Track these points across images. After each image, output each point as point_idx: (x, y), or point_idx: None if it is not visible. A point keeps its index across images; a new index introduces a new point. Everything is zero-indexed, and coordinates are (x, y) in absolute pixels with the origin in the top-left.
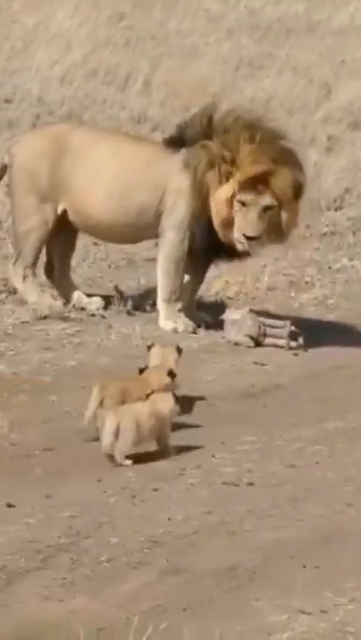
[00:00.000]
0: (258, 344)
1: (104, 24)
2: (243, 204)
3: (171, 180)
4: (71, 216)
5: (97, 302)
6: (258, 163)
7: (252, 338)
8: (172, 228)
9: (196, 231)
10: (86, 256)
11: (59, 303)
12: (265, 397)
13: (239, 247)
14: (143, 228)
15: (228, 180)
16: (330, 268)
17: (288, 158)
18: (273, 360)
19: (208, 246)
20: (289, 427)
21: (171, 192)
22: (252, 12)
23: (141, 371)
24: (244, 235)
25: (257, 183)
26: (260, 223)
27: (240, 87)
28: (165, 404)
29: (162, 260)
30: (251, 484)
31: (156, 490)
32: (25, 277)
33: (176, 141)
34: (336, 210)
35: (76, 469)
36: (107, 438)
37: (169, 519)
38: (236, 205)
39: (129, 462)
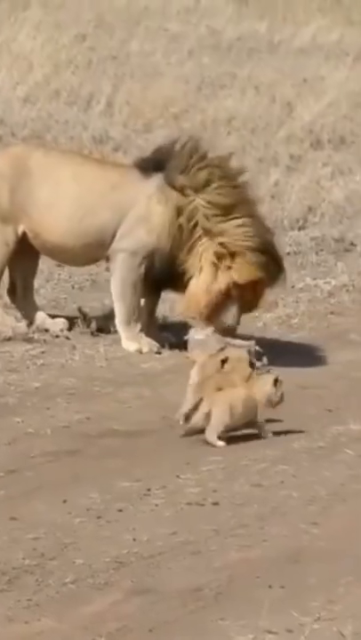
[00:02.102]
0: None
1: (66, 45)
2: (228, 296)
3: (136, 204)
4: (31, 238)
5: (60, 323)
6: (256, 273)
7: None
8: (126, 251)
9: (155, 262)
10: (50, 277)
11: (22, 325)
12: None
13: (215, 328)
14: (101, 249)
15: (217, 266)
16: (293, 287)
17: (276, 261)
18: None
19: (164, 278)
20: (254, 446)
21: (133, 216)
22: (213, 31)
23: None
24: (225, 323)
25: (247, 286)
26: (240, 314)
27: (202, 107)
28: (260, 388)
29: (116, 284)
30: (216, 503)
31: (120, 510)
32: None
33: (149, 166)
34: (299, 229)
35: (41, 491)
36: (199, 417)
37: (134, 540)
38: (222, 296)
39: (222, 444)
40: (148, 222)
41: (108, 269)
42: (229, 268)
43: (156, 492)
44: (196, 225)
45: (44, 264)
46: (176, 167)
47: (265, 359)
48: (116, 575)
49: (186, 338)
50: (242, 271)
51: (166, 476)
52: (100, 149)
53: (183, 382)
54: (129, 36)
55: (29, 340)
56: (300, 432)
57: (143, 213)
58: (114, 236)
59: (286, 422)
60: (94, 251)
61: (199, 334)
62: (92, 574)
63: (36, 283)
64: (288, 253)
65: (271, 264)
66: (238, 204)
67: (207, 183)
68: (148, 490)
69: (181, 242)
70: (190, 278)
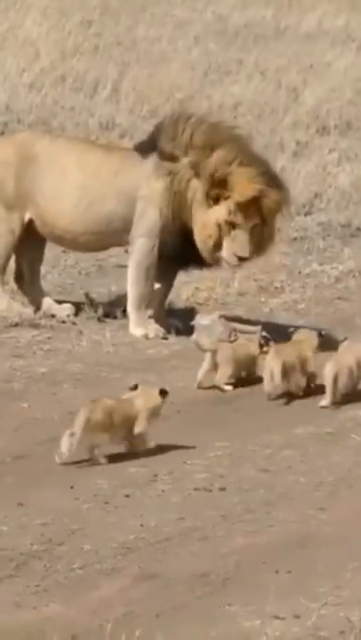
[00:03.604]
0: None
1: (72, 31)
2: (233, 225)
3: (140, 187)
4: (38, 225)
5: (67, 309)
6: (253, 186)
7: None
8: (142, 235)
9: (166, 238)
10: (56, 263)
11: (29, 310)
12: (237, 403)
13: (227, 266)
14: (110, 236)
15: (217, 201)
16: (300, 272)
17: (274, 178)
18: None
19: (179, 254)
20: (261, 432)
21: (140, 199)
22: (219, 17)
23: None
24: (235, 255)
25: (249, 205)
26: (251, 243)
27: (208, 93)
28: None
29: (132, 268)
30: (223, 489)
31: (128, 496)
32: None
33: (146, 147)
34: (305, 215)
35: (48, 477)
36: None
37: (141, 525)
38: (225, 226)
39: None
40: (152, 201)
41: (126, 252)
42: (227, 196)
43: (163, 477)
44: (188, 181)
45: (50, 251)
46: (166, 138)
47: (271, 344)
48: (124, 561)
49: (192, 323)
50: (238, 189)
51: (173, 461)
52: (107, 136)
53: (189, 368)
54: (135, 22)
55: (36, 326)
56: (307, 417)
57: (147, 194)
58: (123, 221)
59: (293, 408)
60: (102, 238)
61: (205, 319)
62: (99, 560)
63: (43, 269)
64: (295, 239)
65: (269, 179)
66: (223, 141)
67: (191, 138)
68: (155, 475)
69: (185, 209)
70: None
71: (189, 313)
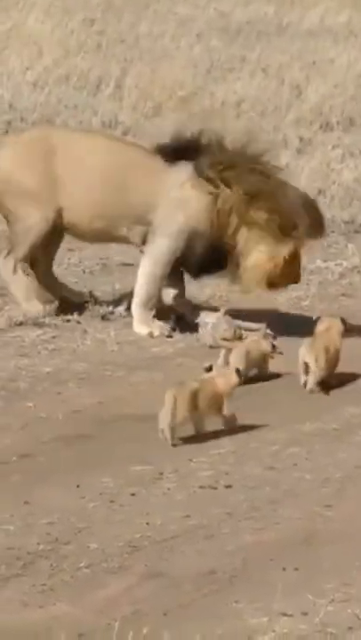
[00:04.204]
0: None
1: (75, 29)
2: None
3: (169, 189)
4: (65, 217)
5: (83, 295)
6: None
7: (226, 340)
8: (163, 235)
9: (195, 247)
10: (60, 261)
11: (44, 306)
12: (241, 400)
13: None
14: (126, 231)
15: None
16: (304, 269)
17: (314, 216)
18: None
19: (201, 263)
20: (266, 429)
21: (170, 200)
22: (221, 14)
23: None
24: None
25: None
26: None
27: (211, 90)
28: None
29: (148, 267)
30: (228, 486)
31: (133, 495)
32: (15, 271)
33: (172, 153)
34: None
35: (54, 475)
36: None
37: (147, 524)
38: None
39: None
40: (187, 207)
41: (140, 250)
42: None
43: (168, 475)
44: (231, 209)
45: None
46: (205, 162)
47: (276, 341)
48: (130, 559)
49: (196, 321)
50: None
51: (178, 459)
52: (110, 133)
53: (194, 365)
54: (138, 19)
55: (40, 325)
56: (313, 414)
57: (180, 198)
58: (141, 217)
59: (298, 404)
60: (120, 231)
61: (209, 317)
62: (105, 559)
63: None
64: None
65: (310, 225)
66: (269, 190)
67: (236, 179)
68: (161, 474)
69: (220, 224)
70: (241, 255)
71: (195, 310)
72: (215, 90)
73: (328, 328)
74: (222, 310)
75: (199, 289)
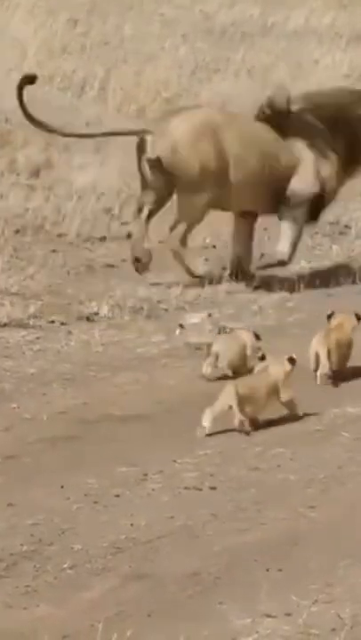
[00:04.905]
0: None
1: (59, 30)
2: None
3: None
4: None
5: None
6: None
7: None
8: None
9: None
10: (45, 263)
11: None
12: None
13: None
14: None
15: None
16: (289, 269)
17: None
18: None
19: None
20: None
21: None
22: (206, 16)
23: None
24: None
25: None
26: None
27: (196, 91)
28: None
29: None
30: (213, 488)
31: (118, 496)
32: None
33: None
34: None
35: (39, 476)
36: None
37: (132, 525)
38: None
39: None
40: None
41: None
42: None
43: (153, 476)
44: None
45: (40, 250)
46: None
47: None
48: (114, 560)
49: (181, 322)
50: None
51: (163, 460)
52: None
53: (179, 366)
54: (122, 20)
55: (25, 326)
56: (298, 415)
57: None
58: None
59: (282, 405)
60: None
61: (194, 318)
62: (90, 560)
63: (32, 269)
64: None
65: None
66: None
67: None
68: (145, 475)
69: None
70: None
71: (179, 311)
72: (200, 91)
73: (341, 324)
74: (207, 311)
75: (184, 290)
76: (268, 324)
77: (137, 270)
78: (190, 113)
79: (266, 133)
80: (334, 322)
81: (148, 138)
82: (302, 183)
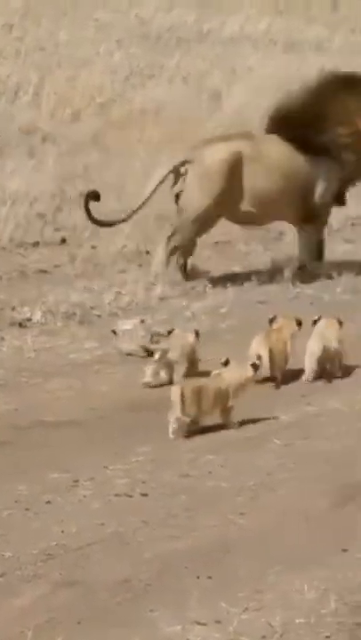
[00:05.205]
0: (150, 354)
1: None
2: None
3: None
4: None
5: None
6: None
7: (144, 348)
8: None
9: None
10: None
11: None
12: (159, 407)
13: None
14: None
15: None
16: (222, 276)
17: None
18: None
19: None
20: (182, 437)
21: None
22: (142, 21)
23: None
24: None
25: None
26: None
27: (130, 96)
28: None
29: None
30: (144, 494)
31: (49, 502)
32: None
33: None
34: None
35: None
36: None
37: (62, 532)
38: None
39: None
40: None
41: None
42: None
43: (84, 483)
44: None
45: None
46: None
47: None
48: (45, 567)
49: (113, 328)
50: None
51: (95, 467)
52: (28, 140)
53: (111, 372)
54: (57, 26)
55: None
56: (230, 425)
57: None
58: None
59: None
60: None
61: (127, 324)
62: (20, 567)
63: None
64: (216, 243)
65: None
66: None
67: None
68: (76, 481)
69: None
70: None
71: (112, 318)
72: (134, 96)
73: (281, 328)
74: (139, 318)
75: (117, 296)
76: (201, 331)
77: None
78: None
79: (287, 154)
80: (275, 325)
81: (183, 170)
82: (324, 192)
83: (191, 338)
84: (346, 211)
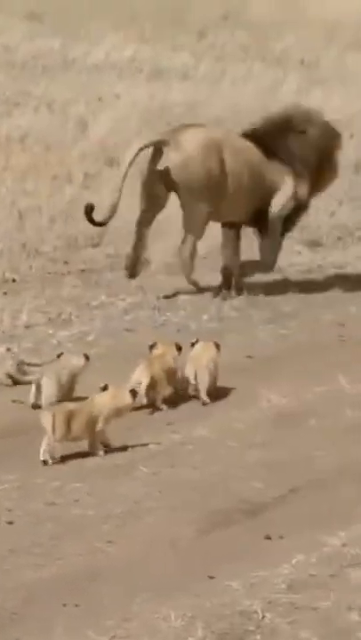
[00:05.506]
0: (16, 382)
1: None
2: None
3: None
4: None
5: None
6: None
7: (10, 376)
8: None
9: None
10: None
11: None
12: (25, 435)
13: None
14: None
15: None
16: (88, 304)
17: None
18: None
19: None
20: (49, 464)
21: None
22: (6, 48)
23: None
24: None
25: None
26: None
27: None
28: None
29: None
30: (10, 522)
31: None
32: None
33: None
34: (94, 247)
35: None
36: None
37: None
38: None
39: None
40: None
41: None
42: None
43: None
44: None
45: None
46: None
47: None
48: None
49: None
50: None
51: None
52: None
53: None
54: None
55: None
56: (96, 454)
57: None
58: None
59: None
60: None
61: None
62: None
63: None
64: (83, 271)
65: None
66: None
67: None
68: None
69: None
70: None
71: None
72: (0, 124)
73: (162, 354)
74: (5, 346)
75: None
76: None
77: (130, 276)
78: (198, 129)
79: (255, 153)
80: (156, 352)
81: (165, 149)
82: (282, 201)
83: (81, 361)
84: None
